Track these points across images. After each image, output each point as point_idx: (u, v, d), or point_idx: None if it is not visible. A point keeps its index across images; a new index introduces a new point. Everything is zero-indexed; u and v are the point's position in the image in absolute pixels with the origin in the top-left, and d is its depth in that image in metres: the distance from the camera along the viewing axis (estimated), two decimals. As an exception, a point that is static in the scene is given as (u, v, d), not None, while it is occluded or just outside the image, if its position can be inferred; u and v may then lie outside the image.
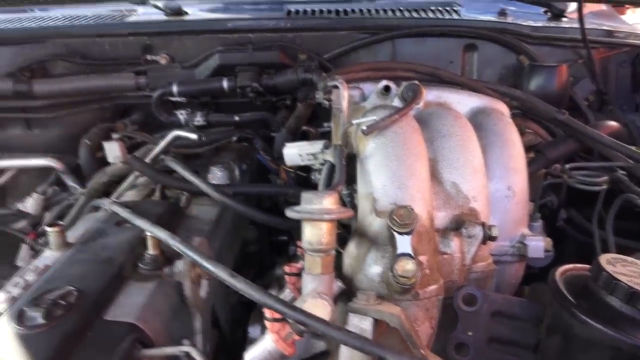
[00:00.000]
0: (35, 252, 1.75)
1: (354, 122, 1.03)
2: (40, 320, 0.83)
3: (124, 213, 1.09)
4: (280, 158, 1.79)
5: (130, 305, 0.92)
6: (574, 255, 1.46)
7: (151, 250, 1.02)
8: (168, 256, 1.05)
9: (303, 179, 1.76)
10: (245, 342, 1.21)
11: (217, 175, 1.59)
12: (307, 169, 1.69)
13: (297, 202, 1.62)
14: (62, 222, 1.15)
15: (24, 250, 1.80)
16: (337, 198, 0.82)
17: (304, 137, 1.93)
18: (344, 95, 1.10)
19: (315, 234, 0.80)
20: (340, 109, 1.12)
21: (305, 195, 0.81)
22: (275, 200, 1.76)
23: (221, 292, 1.16)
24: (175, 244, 0.86)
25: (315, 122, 1.96)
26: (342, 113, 1.10)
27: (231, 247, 1.43)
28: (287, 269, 1.07)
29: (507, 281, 1.16)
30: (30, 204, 1.93)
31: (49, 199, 1.97)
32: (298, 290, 1.04)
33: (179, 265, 0.91)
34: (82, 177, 1.95)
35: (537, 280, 1.27)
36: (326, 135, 1.91)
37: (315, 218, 0.78)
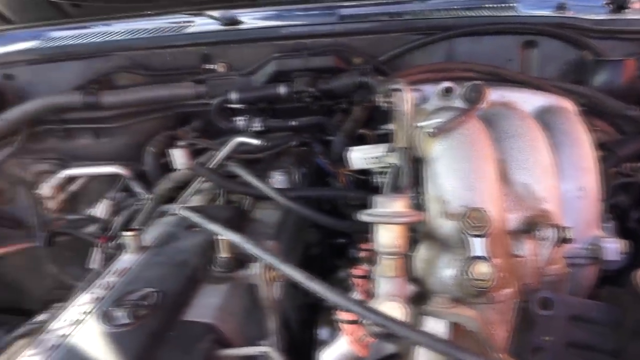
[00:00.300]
0: (106, 256, 1.84)
1: (419, 124, 1.03)
2: (125, 319, 0.88)
3: (196, 218, 1.13)
4: (338, 161, 1.82)
5: (206, 306, 0.96)
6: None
7: (223, 254, 1.06)
8: (239, 259, 1.08)
9: (362, 182, 1.78)
10: (312, 343, 1.23)
11: (278, 179, 1.62)
12: (365, 171, 1.71)
13: (357, 205, 1.65)
14: (138, 227, 1.20)
15: (96, 253, 1.90)
16: (408, 201, 0.82)
17: (360, 140, 1.93)
18: (407, 98, 1.10)
19: (388, 237, 0.80)
20: (403, 112, 1.13)
21: (377, 199, 0.82)
22: (334, 204, 1.78)
23: (290, 294, 1.18)
24: (250, 247, 0.89)
25: (372, 124, 1.97)
26: (405, 116, 1.10)
27: (294, 250, 1.45)
28: (354, 271, 1.09)
29: (580, 284, 1.13)
30: (100, 209, 2.04)
31: (117, 204, 2.07)
32: (366, 293, 1.06)
33: (254, 268, 0.94)
34: (147, 182, 2.03)
35: (608, 283, 1.23)
36: (383, 138, 1.91)
37: (388, 221, 0.79)
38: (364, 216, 0.82)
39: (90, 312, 0.93)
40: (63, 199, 2.21)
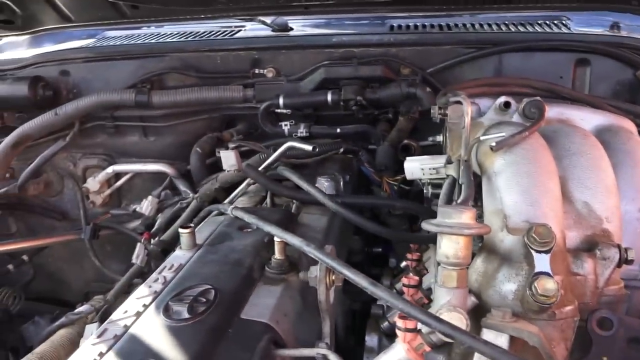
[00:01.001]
0: (149, 252, 1.87)
1: (482, 138, 1.03)
2: (185, 314, 0.90)
3: (251, 219, 1.15)
4: (382, 170, 1.82)
5: (262, 306, 0.97)
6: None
7: (278, 255, 1.08)
8: (292, 261, 1.10)
9: (405, 192, 1.78)
10: (356, 349, 1.23)
11: (324, 185, 1.63)
12: (410, 181, 1.71)
13: (400, 215, 1.65)
14: (192, 225, 1.23)
15: (140, 249, 1.93)
16: (475, 213, 0.82)
17: (405, 150, 1.94)
18: (467, 111, 1.11)
19: (452, 248, 0.81)
20: (462, 125, 1.13)
21: (443, 210, 0.82)
22: (376, 212, 1.78)
23: (339, 299, 1.19)
24: (310, 250, 0.90)
25: (415, 135, 1.97)
26: (465, 129, 1.10)
27: (340, 256, 1.45)
28: (405, 280, 1.09)
29: (635, 307, 1.11)
30: (145, 206, 2.08)
31: (161, 201, 2.11)
32: (416, 302, 1.06)
33: (314, 271, 0.95)
34: (192, 182, 2.07)
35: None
36: (428, 149, 1.91)
37: (455, 232, 0.79)
38: (428, 226, 0.82)
39: (149, 304, 0.96)
40: (108, 194, 2.27)
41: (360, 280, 0.79)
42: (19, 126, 2.09)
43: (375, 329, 1.18)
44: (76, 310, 1.59)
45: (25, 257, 2.26)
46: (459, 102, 1.15)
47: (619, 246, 0.94)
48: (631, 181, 1.09)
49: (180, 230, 1.19)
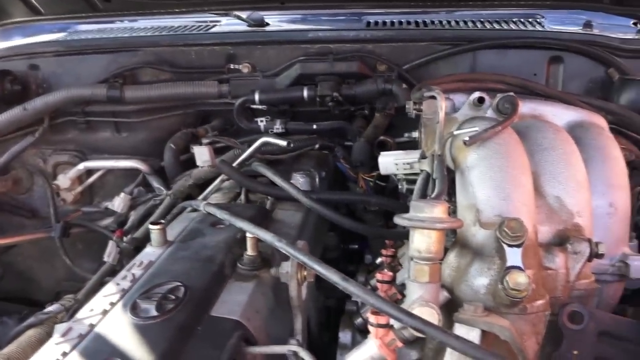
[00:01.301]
0: (121, 250, 1.83)
1: (455, 132, 1.03)
2: (153, 312, 0.87)
3: (223, 215, 1.13)
4: (358, 166, 1.82)
5: (233, 303, 0.96)
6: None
7: (250, 251, 1.06)
8: (265, 257, 1.08)
9: (381, 188, 1.77)
10: (329, 346, 1.22)
11: (299, 181, 1.62)
12: (385, 177, 1.70)
13: (375, 211, 1.65)
14: (163, 221, 1.20)
15: (111, 246, 1.89)
16: (447, 207, 0.82)
17: (381, 146, 1.94)
18: (441, 106, 1.10)
19: (424, 242, 0.80)
20: (436, 120, 1.12)
21: (416, 204, 0.82)
22: (352, 208, 1.78)
23: (312, 295, 1.18)
24: (282, 246, 0.89)
25: (391, 131, 1.97)
26: (439, 124, 1.10)
27: (314, 252, 1.44)
28: (379, 276, 1.08)
29: (605, 301, 1.12)
30: (117, 203, 2.04)
31: (134, 198, 2.07)
32: (389, 298, 1.05)
33: (286, 267, 0.94)
34: (165, 178, 2.04)
35: (628, 302, 1.22)
36: (403, 145, 1.91)
37: (427, 226, 0.79)
38: (400, 220, 0.82)
39: (116, 302, 0.93)
40: (80, 191, 2.22)
41: (331, 275, 0.78)
42: (-15, 122, 2.03)
43: (348, 325, 1.17)
44: (45, 310, 1.54)
45: (-7, 257, 2.19)
46: (433, 97, 1.14)
47: (589, 240, 0.95)
48: (601, 176, 1.11)
49: (151, 226, 1.16)
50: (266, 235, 0.95)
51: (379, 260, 1.46)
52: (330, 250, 1.67)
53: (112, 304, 0.93)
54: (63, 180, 2.16)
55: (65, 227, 2.03)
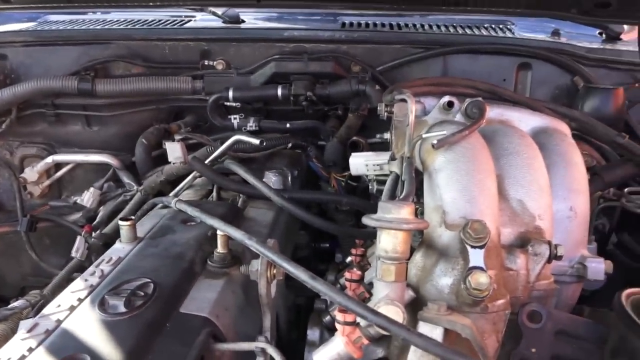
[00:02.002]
0: (90, 245, 1.82)
1: (424, 135, 1.06)
2: (122, 308, 0.87)
3: (194, 212, 1.14)
4: (330, 166, 1.84)
5: (202, 300, 0.96)
6: (621, 280, 1.45)
7: (220, 249, 1.07)
8: (235, 255, 1.09)
9: (352, 188, 1.80)
10: (298, 343, 1.24)
11: (271, 179, 1.63)
12: (357, 178, 1.73)
13: (347, 211, 1.67)
14: (132, 217, 1.20)
15: (80, 242, 1.87)
16: (414, 208, 0.84)
17: (353, 147, 1.96)
18: (411, 109, 1.13)
19: (390, 243, 0.82)
20: (406, 122, 1.15)
21: (383, 205, 0.84)
22: (323, 207, 1.80)
23: (281, 294, 1.19)
24: (252, 244, 0.90)
25: (364, 132, 1.99)
26: (409, 126, 1.12)
27: (285, 250, 1.46)
28: (347, 275, 1.10)
29: (564, 301, 1.16)
30: (87, 198, 2.01)
31: (104, 194, 2.04)
32: (357, 296, 1.07)
33: (255, 265, 0.95)
34: (136, 174, 2.02)
35: (586, 302, 1.27)
36: (375, 146, 1.94)
37: (393, 227, 0.81)
38: (368, 220, 0.84)
39: (84, 298, 0.93)
40: (47, 185, 2.18)
41: (299, 273, 0.80)
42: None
43: (317, 322, 1.19)
44: (10, 306, 1.52)
45: (-46, 250, 2.14)
46: (404, 100, 1.17)
47: (549, 243, 0.98)
48: (563, 181, 1.15)
49: (120, 222, 1.16)
50: (236, 233, 0.96)
51: (349, 259, 1.48)
52: (301, 248, 1.68)
53: (80, 300, 0.92)
54: (30, 173, 2.12)
55: (31, 221, 1.99)
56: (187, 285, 1.00)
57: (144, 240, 1.15)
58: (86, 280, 1.00)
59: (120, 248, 1.13)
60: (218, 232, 1.06)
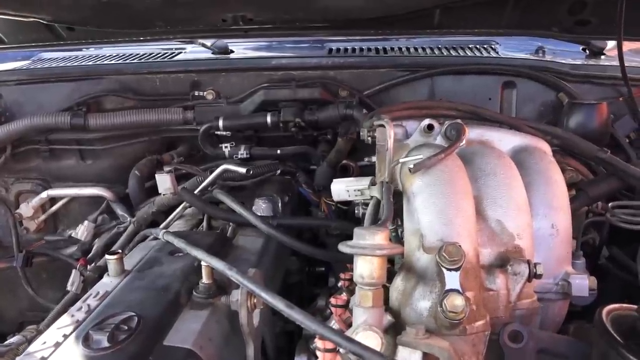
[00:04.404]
0: (85, 278, 1.83)
1: (401, 160, 1.08)
2: (105, 343, 0.88)
3: (180, 243, 1.15)
4: (321, 191, 1.85)
5: (186, 331, 0.97)
6: (616, 293, 1.46)
7: (205, 280, 1.08)
8: (220, 285, 1.10)
9: (343, 211, 1.81)
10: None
11: (261, 207, 1.64)
12: (347, 202, 1.74)
13: (338, 235, 1.68)
14: (120, 251, 1.21)
15: (75, 275, 1.88)
16: (388, 234, 0.85)
17: (344, 170, 1.98)
18: (390, 134, 1.15)
19: (366, 269, 0.83)
20: (386, 147, 1.17)
21: (358, 231, 0.85)
22: (315, 232, 1.81)
23: (268, 321, 1.20)
24: (232, 274, 0.91)
25: (355, 155, 2.02)
26: (388, 151, 1.14)
27: (275, 277, 1.47)
28: (333, 300, 1.11)
29: (550, 319, 1.16)
30: (81, 231, 2.03)
31: (98, 226, 2.06)
32: (344, 322, 1.08)
33: (236, 295, 0.96)
34: (130, 206, 2.04)
35: (579, 318, 1.27)
36: (365, 169, 1.96)
37: (367, 253, 0.82)
38: (344, 247, 0.85)
39: (69, 334, 0.94)
40: (43, 220, 2.20)
41: (276, 303, 0.81)
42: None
43: (305, 349, 1.19)
44: (6, 342, 1.54)
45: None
46: (382, 126, 1.19)
47: (528, 262, 0.99)
48: (543, 199, 1.16)
49: (107, 256, 1.17)
50: (217, 264, 0.97)
51: (340, 283, 1.49)
52: (293, 274, 1.69)
53: (65, 336, 0.93)
54: (26, 209, 2.15)
55: (27, 256, 2.02)
56: (172, 317, 1.01)
57: (131, 273, 1.17)
58: (72, 315, 1.01)
59: (107, 282, 1.14)
60: (202, 262, 1.07)
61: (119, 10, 1.93)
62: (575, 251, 1.30)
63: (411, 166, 1.03)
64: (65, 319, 1.00)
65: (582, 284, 1.13)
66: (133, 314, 0.96)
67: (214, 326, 1.01)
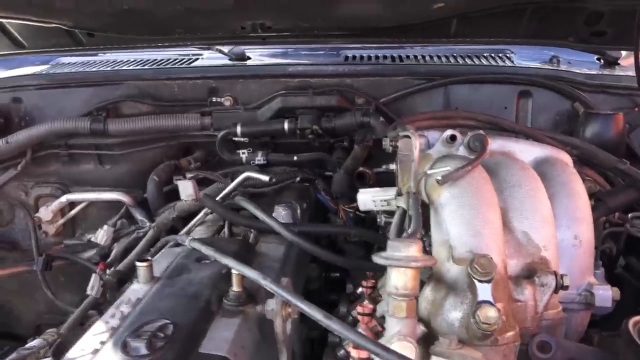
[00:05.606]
0: (105, 283, 1.85)
1: (429, 172, 1.10)
2: (143, 350, 0.91)
3: (208, 251, 1.17)
4: (338, 198, 1.88)
5: (219, 339, 0.99)
6: (631, 301, 1.47)
7: (236, 287, 1.10)
8: (250, 293, 1.12)
9: (361, 218, 1.83)
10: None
11: (281, 213, 1.67)
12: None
13: (356, 242, 1.70)
14: (150, 258, 1.23)
15: (94, 279, 1.90)
16: (421, 246, 0.87)
17: (360, 177, 2.00)
18: (415, 145, 1.17)
19: (401, 280, 0.85)
20: (411, 158, 1.19)
21: (392, 243, 0.87)
22: (332, 238, 1.83)
23: (297, 329, 1.22)
24: (267, 284, 0.93)
25: (370, 162, 2.04)
26: (413, 162, 1.16)
27: (297, 284, 1.48)
28: (359, 309, 1.13)
29: (573, 329, 1.18)
30: (100, 235, 2.05)
31: (117, 231, 2.08)
32: (370, 330, 1.10)
33: (271, 304, 0.98)
34: (148, 210, 2.06)
35: (597, 326, 1.29)
36: (381, 176, 1.98)
37: (402, 265, 0.84)
38: (378, 259, 0.87)
39: (107, 341, 0.96)
40: (62, 224, 2.23)
41: (315, 313, 0.83)
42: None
43: (331, 357, 1.21)
44: (28, 345, 1.54)
45: (-26, 291, 2.18)
46: (408, 137, 1.21)
47: (555, 273, 1.01)
48: (566, 210, 1.18)
49: (138, 263, 1.19)
50: (251, 273, 0.99)
51: (359, 290, 1.51)
52: (313, 281, 1.71)
53: (102, 343, 0.95)
54: (45, 213, 2.17)
55: (47, 260, 2.03)
56: (205, 324, 1.03)
57: (161, 280, 1.19)
58: (107, 322, 1.04)
59: (138, 289, 1.16)
60: (233, 271, 1.09)
61: (140, 18, 1.97)
62: (595, 261, 1.32)
63: (439, 178, 1.05)
64: (100, 326, 1.03)
65: (606, 294, 1.15)
66: (168, 321, 0.98)
67: (245, 334, 1.03)
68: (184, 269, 1.23)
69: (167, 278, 1.19)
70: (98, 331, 1.00)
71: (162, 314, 1.02)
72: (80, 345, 0.96)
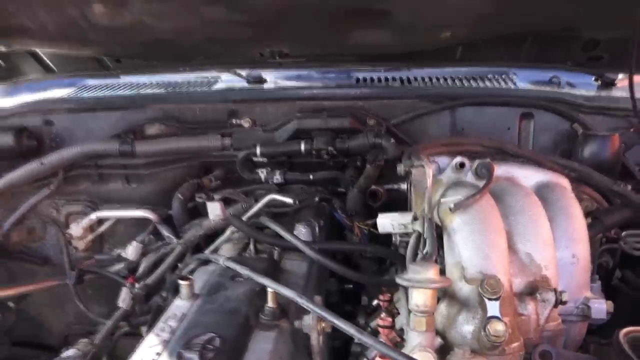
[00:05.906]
0: (134, 296, 1.98)
1: (442, 200, 1.23)
2: (197, 361, 1.04)
3: (244, 270, 1.31)
4: (353, 215, 2.01)
5: (260, 351, 1.12)
6: (626, 311, 1.60)
7: (271, 304, 1.23)
8: (283, 308, 1.25)
9: (375, 235, 1.96)
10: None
11: (302, 232, 1.79)
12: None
13: (371, 258, 1.82)
14: (191, 277, 1.37)
15: (125, 292, 2.03)
16: (438, 269, 1.01)
17: (372, 195, 2.13)
18: (429, 174, 1.30)
19: (421, 299, 0.99)
20: (425, 185, 1.32)
21: (413, 267, 1.00)
22: (348, 254, 1.96)
23: (327, 340, 1.34)
24: (304, 302, 1.06)
25: (381, 180, 2.16)
26: (427, 190, 1.29)
27: (318, 298, 1.62)
28: (380, 322, 1.27)
29: (572, 339, 1.32)
30: (130, 251, 2.18)
31: (145, 246, 2.21)
32: (390, 341, 1.23)
33: (308, 320, 1.11)
34: (173, 226, 2.19)
35: (591, 334, 1.42)
36: (392, 193, 2.11)
37: (423, 286, 0.97)
38: (401, 280, 1.00)
39: (162, 352, 1.09)
40: (91, 239, 2.36)
41: (349, 328, 0.96)
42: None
43: (356, 366, 1.34)
44: (63, 355, 1.66)
45: (11, 304, 2.31)
46: (422, 166, 1.34)
47: (555, 290, 1.14)
48: (565, 232, 1.31)
49: (180, 281, 1.33)
50: (287, 292, 1.12)
51: (375, 302, 1.64)
52: (332, 294, 1.83)
53: (158, 354, 1.09)
54: (75, 229, 2.30)
55: (79, 274, 2.17)
56: (246, 338, 1.16)
57: (201, 297, 1.32)
58: (158, 335, 1.17)
59: (181, 304, 1.29)
60: (268, 289, 1.22)
61: (165, 46, 2.11)
62: (592, 275, 1.45)
63: (451, 206, 1.18)
64: (153, 338, 1.16)
65: (601, 308, 1.28)
66: (214, 334, 1.11)
67: (282, 346, 1.16)
68: (220, 286, 1.36)
69: (207, 295, 1.32)
70: (152, 343, 1.13)
71: (207, 328, 1.15)
72: (138, 356, 1.10)
